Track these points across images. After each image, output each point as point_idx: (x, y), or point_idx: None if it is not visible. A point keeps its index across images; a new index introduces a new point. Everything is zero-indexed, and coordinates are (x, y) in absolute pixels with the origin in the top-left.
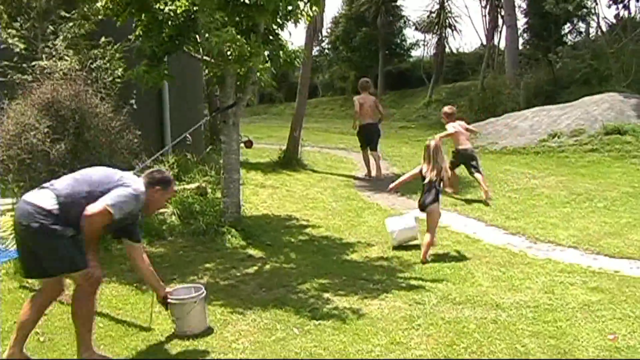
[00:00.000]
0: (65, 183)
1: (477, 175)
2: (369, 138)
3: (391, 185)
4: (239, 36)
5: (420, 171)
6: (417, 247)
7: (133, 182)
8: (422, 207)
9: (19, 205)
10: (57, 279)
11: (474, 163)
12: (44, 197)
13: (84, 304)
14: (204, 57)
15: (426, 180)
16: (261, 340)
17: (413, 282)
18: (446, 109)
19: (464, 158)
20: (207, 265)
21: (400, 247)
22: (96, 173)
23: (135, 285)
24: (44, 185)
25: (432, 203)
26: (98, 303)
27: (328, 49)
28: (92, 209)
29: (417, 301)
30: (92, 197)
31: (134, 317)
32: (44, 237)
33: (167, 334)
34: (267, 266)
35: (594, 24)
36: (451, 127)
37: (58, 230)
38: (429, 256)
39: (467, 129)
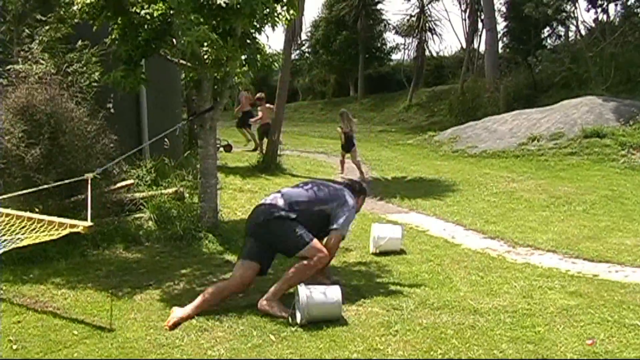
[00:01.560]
0: (302, 197)
1: (266, 140)
2: (265, 132)
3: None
4: (212, 34)
5: (342, 130)
6: (397, 252)
7: (349, 198)
8: (349, 150)
9: (255, 210)
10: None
11: (269, 134)
12: (277, 199)
13: (300, 271)
14: (181, 61)
15: (344, 135)
16: (237, 347)
17: (391, 287)
18: (259, 95)
19: (265, 129)
20: (184, 270)
21: (379, 252)
22: (326, 194)
23: (111, 291)
24: (282, 194)
25: (354, 146)
26: (72, 310)
27: (308, 52)
28: (336, 243)
29: (394, 307)
30: (322, 214)
31: (109, 324)
32: (279, 224)
33: (142, 341)
34: None
35: (573, 28)
36: (261, 109)
37: (291, 216)
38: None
39: (269, 108)
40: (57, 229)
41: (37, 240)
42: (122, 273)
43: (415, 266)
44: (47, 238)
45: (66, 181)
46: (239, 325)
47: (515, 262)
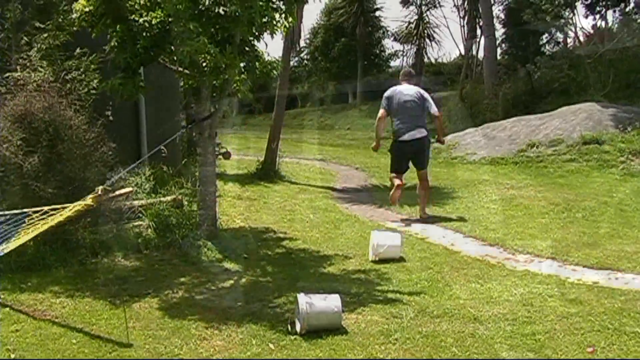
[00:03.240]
0: (421, 120)
1: None
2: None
3: None
4: (210, 45)
5: None
6: (396, 260)
7: (422, 90)
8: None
9: (410, 134)
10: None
11: None
12: (422, 130)
13: (426, 188)
14: (179, 69)
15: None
16: (236, 356)
17: (390, 295)
18: None
19: None
20: (183, 279)
21: (379, 260)
22: (418, 102)
23: (109, 300)
24: (416, 125)
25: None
26: (71, 319)
27: (307, 59)
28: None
29: (394, 315)
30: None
31: (107, 333)
32: (426, 147)
33: (140, 350)
34: (243, 280)
35: (571, 34)
36: None
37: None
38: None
39: None
40: (68, 211)
41: (52, 223)
42: (120, 281)
43: (415, 274)
44: (59, 219)
45: (81, 200)
46: (238, 334)
47: (514, 270)
